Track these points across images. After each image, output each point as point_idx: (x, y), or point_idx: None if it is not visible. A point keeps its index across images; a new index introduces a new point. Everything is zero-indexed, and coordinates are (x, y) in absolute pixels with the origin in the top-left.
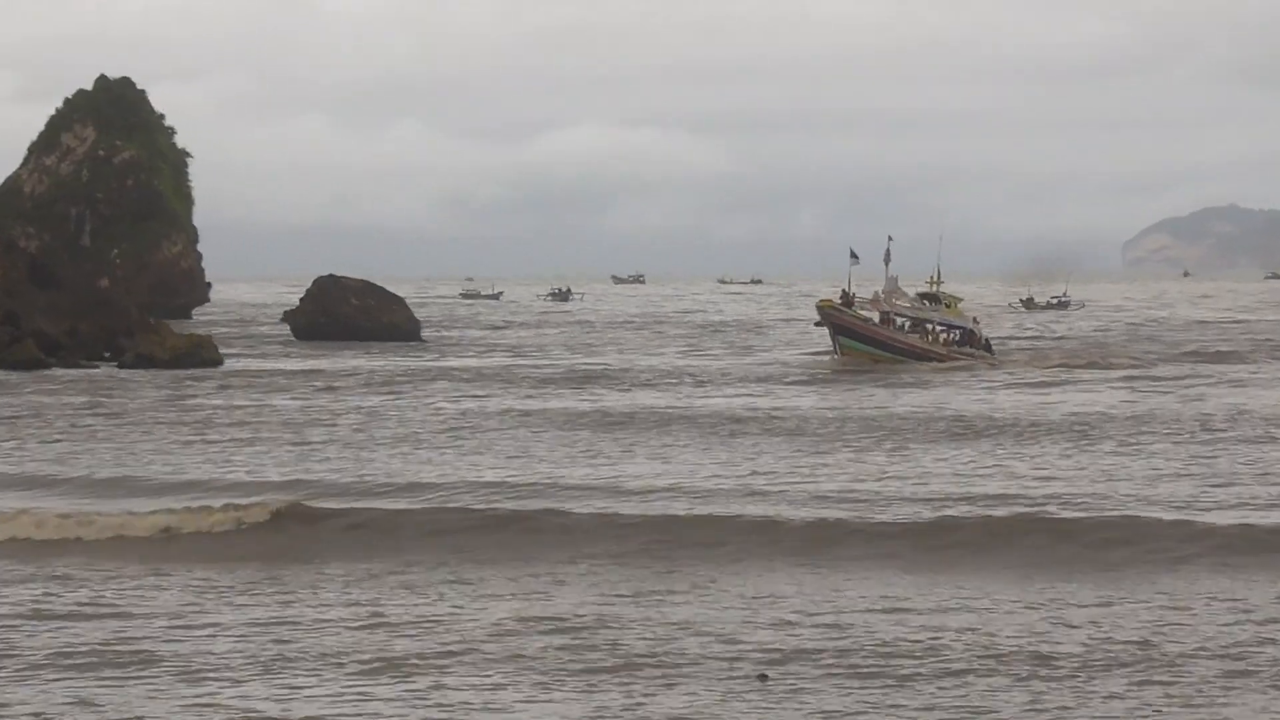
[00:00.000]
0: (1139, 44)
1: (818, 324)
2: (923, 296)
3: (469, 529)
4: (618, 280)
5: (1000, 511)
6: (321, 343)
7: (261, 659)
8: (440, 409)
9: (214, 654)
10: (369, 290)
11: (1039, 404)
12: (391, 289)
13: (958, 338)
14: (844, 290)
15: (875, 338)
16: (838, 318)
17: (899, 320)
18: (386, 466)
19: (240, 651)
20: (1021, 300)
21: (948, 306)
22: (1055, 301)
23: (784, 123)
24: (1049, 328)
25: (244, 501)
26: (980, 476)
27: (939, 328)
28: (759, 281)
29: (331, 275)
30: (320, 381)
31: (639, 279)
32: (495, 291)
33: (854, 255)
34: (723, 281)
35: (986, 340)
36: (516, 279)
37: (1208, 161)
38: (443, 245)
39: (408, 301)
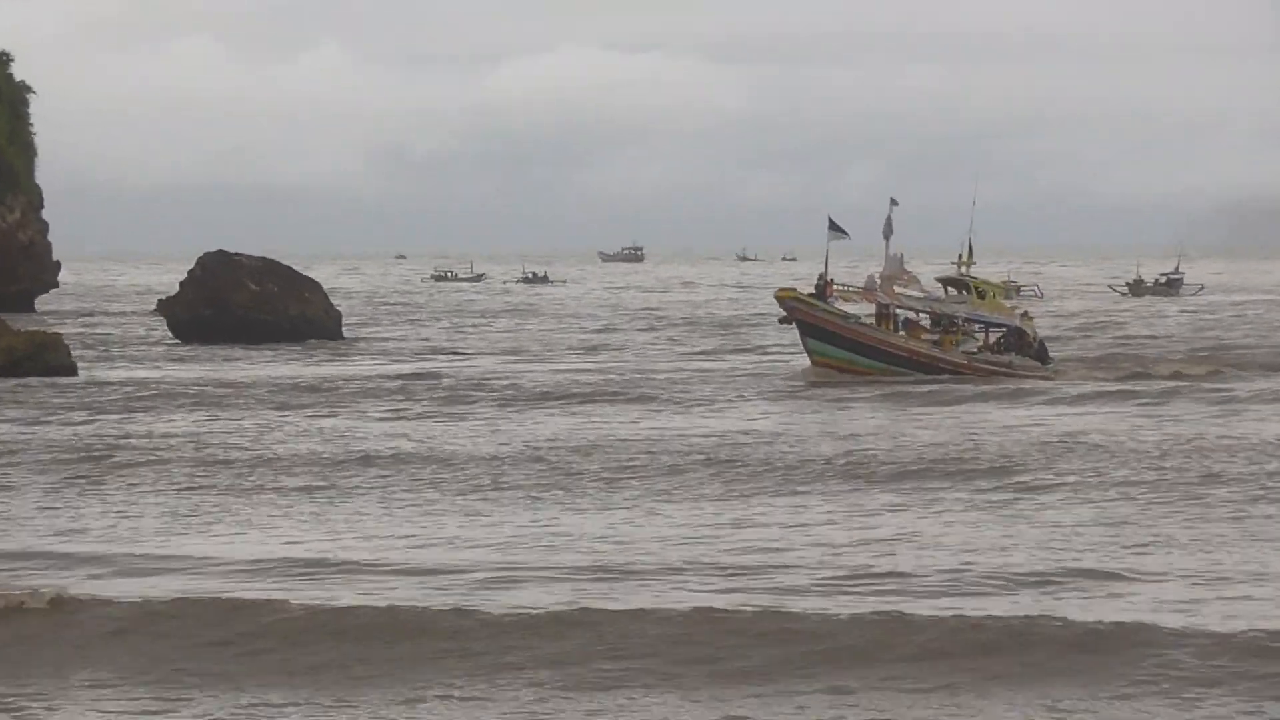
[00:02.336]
0: None
1: (783, 321)
2: (945, 283)
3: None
4: (607, 258)
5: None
6: (206, 343)
7: None
8: (325, 443)
9: None
10: (272, 272)
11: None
12: (305, 269)
13: (1000, 340)
14: (821, 274)
15: (859, 340)
16: (805, 312)
17: (917, 316)
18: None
19: None
20: (1129, 283)
21: (980, 295)
22: (1164, 280)
23: (828, 50)
24: (1156, 318)
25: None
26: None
27: (969, 324)
28: (793, 259)
29: (222, 252)
30: (195, 398)
31: (636, 255)
32: (475, 274)
33: (836, 227)
34: (744, 259)
35: (1041, 343)
36: (475, 256)
37: None
38: (374, 212)
39: (342, 287)
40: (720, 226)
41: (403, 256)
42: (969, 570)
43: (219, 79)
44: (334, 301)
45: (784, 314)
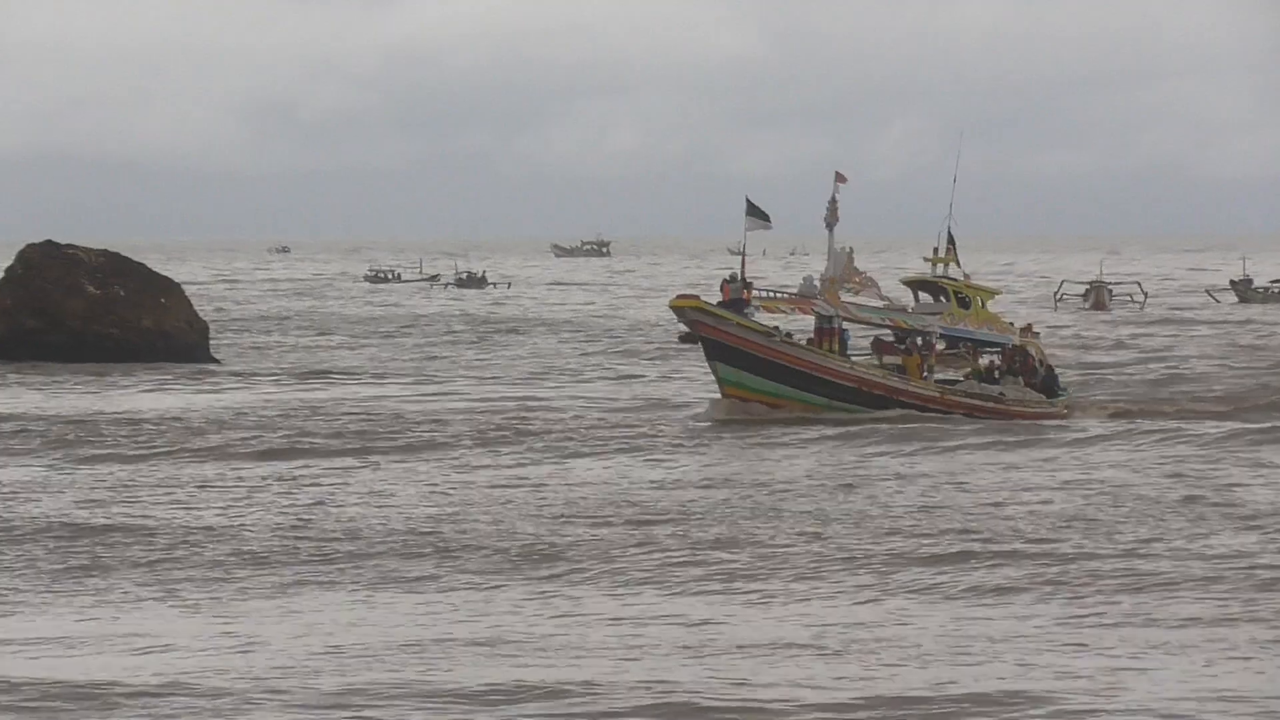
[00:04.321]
0: None
1: (685, 339)
2: (914, 287)
3: None
4: (562, 252)
5: None
6: (33, 363)
7: None
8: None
9: None
10: (118, 270)
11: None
12: (162, 267)
13: (994, 364)
14: (733, 274)
15: (788, 365)
16: (712, 328)
17: (884, 330)
18: None
19: None
20: (1233, 282)
21: (962, 304)
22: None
23: None
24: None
25: None
26: None
27: (967, 346)
28: (807, 254)
29: (50, 243)
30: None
31: (600, 248)
32: (428, 274)
33: (756, 212)
34: (737, 253)
35: (1048, 368)
36: (384, 248)
37: None
38: (250, 188)
39: (211, 290)
40: (710, 208)
41: (285, 249)
42: None
43: (45, 17)
44: (200, 309)
45: (685, 329)
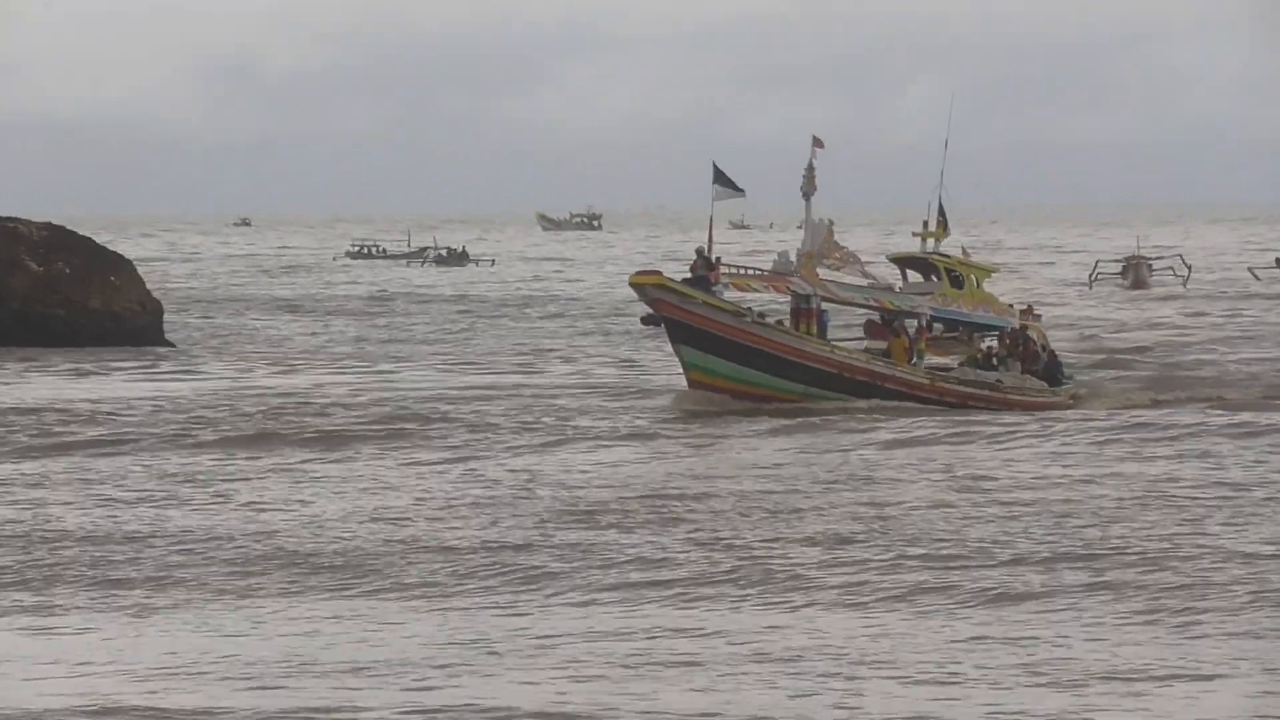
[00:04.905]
0: None
1: (648, 321)
2: (902, 264)
3: None
4: (549, 224)
5: None
6: None
7: None
8: None
9: None
10: (63, 246)
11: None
12: (111, 243)
13: (992, 348)
14: (700, 250)
15: (760, 349)
16: (676, 308)
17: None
18: None
19: None
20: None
21: (955, 282)
22: None
23: None
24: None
25: None
26: None
27: (969, 330)
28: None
29: None
30: None
31: (591, 221)
32: (416, 248)
33: (724, 180)
34: (739, 226)
35: (1052, 354)
36: (352, 220)
37: None
38: (206, 156)
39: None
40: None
41: (246, 222)
42: None
43: None
44: (153, 289)
45: (649, 310)
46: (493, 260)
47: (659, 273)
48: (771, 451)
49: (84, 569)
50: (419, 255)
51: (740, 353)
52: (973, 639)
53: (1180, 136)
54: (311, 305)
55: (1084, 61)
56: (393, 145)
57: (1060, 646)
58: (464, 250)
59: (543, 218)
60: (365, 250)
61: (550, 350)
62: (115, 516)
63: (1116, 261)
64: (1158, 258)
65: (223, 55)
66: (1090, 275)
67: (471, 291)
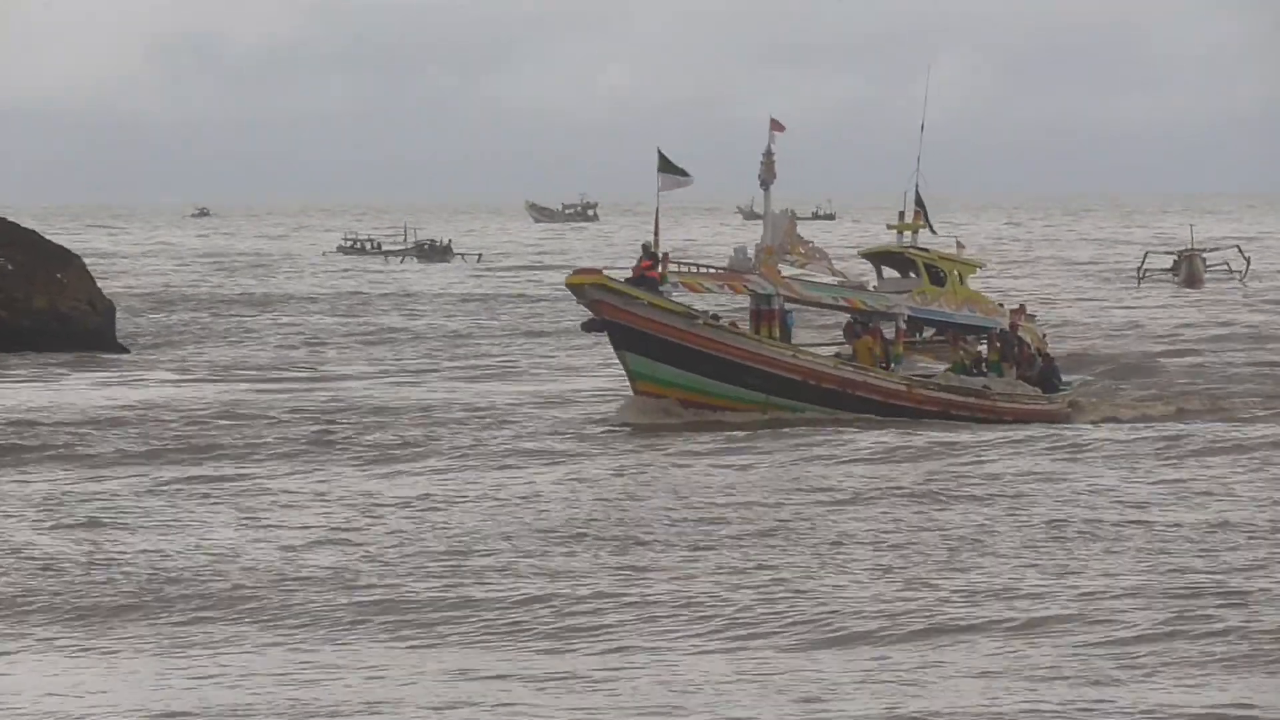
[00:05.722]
0: None
1: (590, 326)
2: (877, 260)
3: None
4: (541, 214)
5: None
6: None
7: None
8: None
9: None
10: (5, 239)
11: None
12: (57, 236)
13: (980, 354)
14: (646, 246)
15: (714, 354)
16: (619, 310)
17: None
18: None
19: None
20: None
21: (936, 279)
22: None
23: None
24: None
25: None
26: None
27: (960, 333)
28: (830, 216)
29: None
30: None
31: (585, 210)
32: (415, 243)
33: (670, 166)
34: (749, 214)
35: (1046, 358)
36: (318, 211)
37: None
38: (163, 141)
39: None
40: (717, 161)
41: (204, 212)
42: None
43: None
44: (103, 286)
45: (592, 314)
46: (479, 255)
47: (599, 271)
48: (704, 470)
49: None
50: (399, 253)
51: (692, 359)
52: None
53: (1228, 120)
54: (275, 305)
55: (1118, 37)
56: (367, 128)
57: None
58: (448, 244)
59: (533, 207)
60: (360, 246)
61: (504, 356)
62: None
63: (1168, 254)
64: (1213, 250)
65: (182, 31)
66: (1138, 270)
67: (453, 290)
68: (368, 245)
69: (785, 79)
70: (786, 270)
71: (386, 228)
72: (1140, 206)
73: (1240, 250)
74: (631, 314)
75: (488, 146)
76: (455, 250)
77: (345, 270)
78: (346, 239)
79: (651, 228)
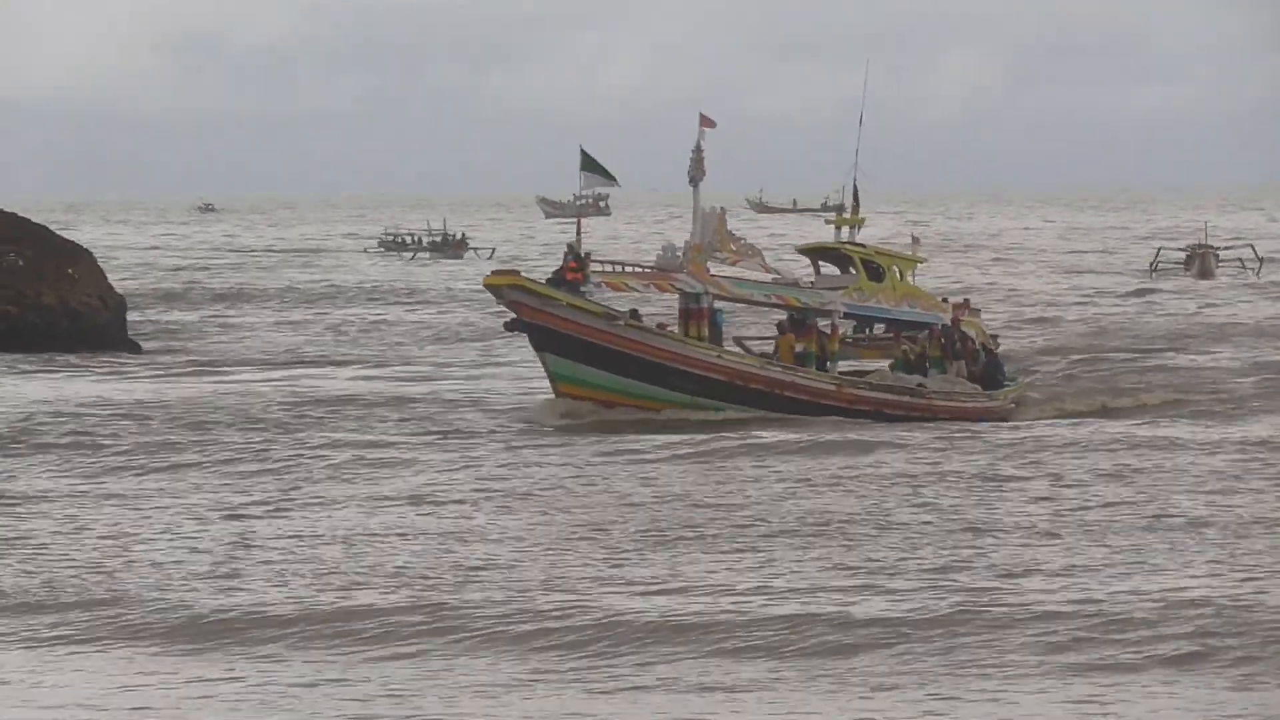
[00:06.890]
0: None
1: (511, 326)
2: (813, 255)
3: None
4: (552, 209)
5: None
6: None
7: None
8: None
9: None
10: (14, 234)
11: None
12: (66, 231)
13: (922, 351)
14: (571, 246)
15: (636, 355)
16: (537, 310)
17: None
18: None
19: None
20: None
21: (873, 275)
22: None
23: None
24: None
25: None
26: None
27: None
28: (838, 208)
29: None
30: None
31: (598, 203)
32: (451, 234)
33: (594, 166)
34: (759, 207)
35: (990, 353)
36: (323, 205)
37: None
38: (169, 137)
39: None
40: (726, 156)
41: (210, 207)
42: None
43: None
44: (115, 281)
45: (510, 317)
46: (492, 250)
47: (516, 272)
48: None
49: None
50: (412, 248)
51: (615, 360)
52: None
53: (1240, 111)
54: (299, 300)
55: (1131, 28)
56: (370, 123)
57: None
58: (462, 237)
59: (544, 201)
60: (399, 241)
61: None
62: None
63: (1180, 250)
64: (1226, 246)
65: (189, 28)
66: (1151, 264)
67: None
68: (408, 240)
69: (791, 73)
70: (717, 268)
71: (405, 223)
72: (1153, 197)
73: (1254, 249)
74: (550, 315)
75: (493, 142)
76: (470, 244)
77: (350, 270)
78: (387, 233)
79: (662, 221)
